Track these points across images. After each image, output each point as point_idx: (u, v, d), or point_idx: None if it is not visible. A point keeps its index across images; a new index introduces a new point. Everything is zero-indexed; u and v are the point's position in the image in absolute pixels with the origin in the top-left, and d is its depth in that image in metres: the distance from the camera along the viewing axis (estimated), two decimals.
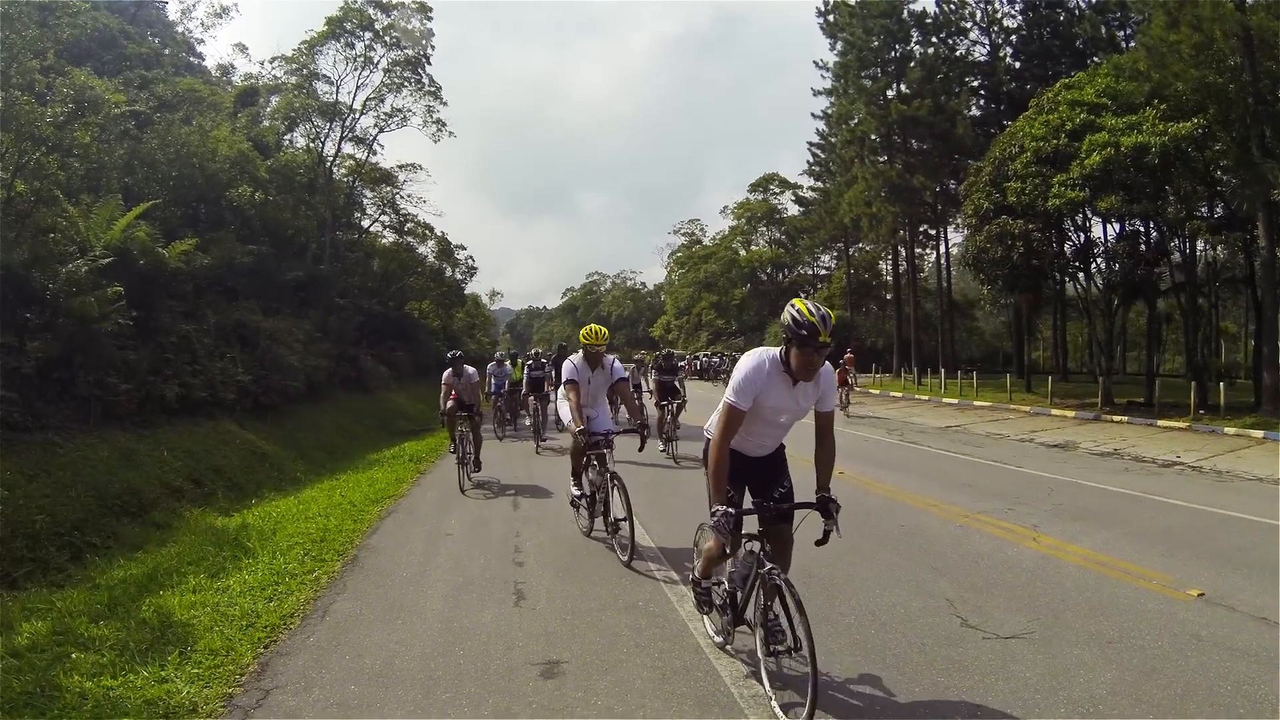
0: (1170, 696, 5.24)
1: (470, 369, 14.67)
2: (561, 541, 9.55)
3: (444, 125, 45.45)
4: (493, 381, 22.53)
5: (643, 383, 26.16)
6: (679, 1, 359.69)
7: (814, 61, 57.36)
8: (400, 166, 49.32)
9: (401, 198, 49.87)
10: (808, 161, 65.69)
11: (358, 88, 42.67)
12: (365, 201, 49.49)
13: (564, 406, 9.40)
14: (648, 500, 11.52)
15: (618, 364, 10.03)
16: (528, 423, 21.48)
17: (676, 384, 18.50)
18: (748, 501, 5.63)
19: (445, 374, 14.48)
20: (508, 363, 23.35)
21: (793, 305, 5.04)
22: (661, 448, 16.65)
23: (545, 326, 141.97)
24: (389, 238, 51.77)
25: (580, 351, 9.71)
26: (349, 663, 5.97)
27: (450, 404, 14.12)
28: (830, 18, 48.75)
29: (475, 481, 13.85)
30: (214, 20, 46.20)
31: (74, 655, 6.06)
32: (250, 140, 31.21)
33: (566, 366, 9.37)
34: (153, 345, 17.34)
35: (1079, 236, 31.87)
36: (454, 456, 13.92)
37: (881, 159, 48.14)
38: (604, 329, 9.84)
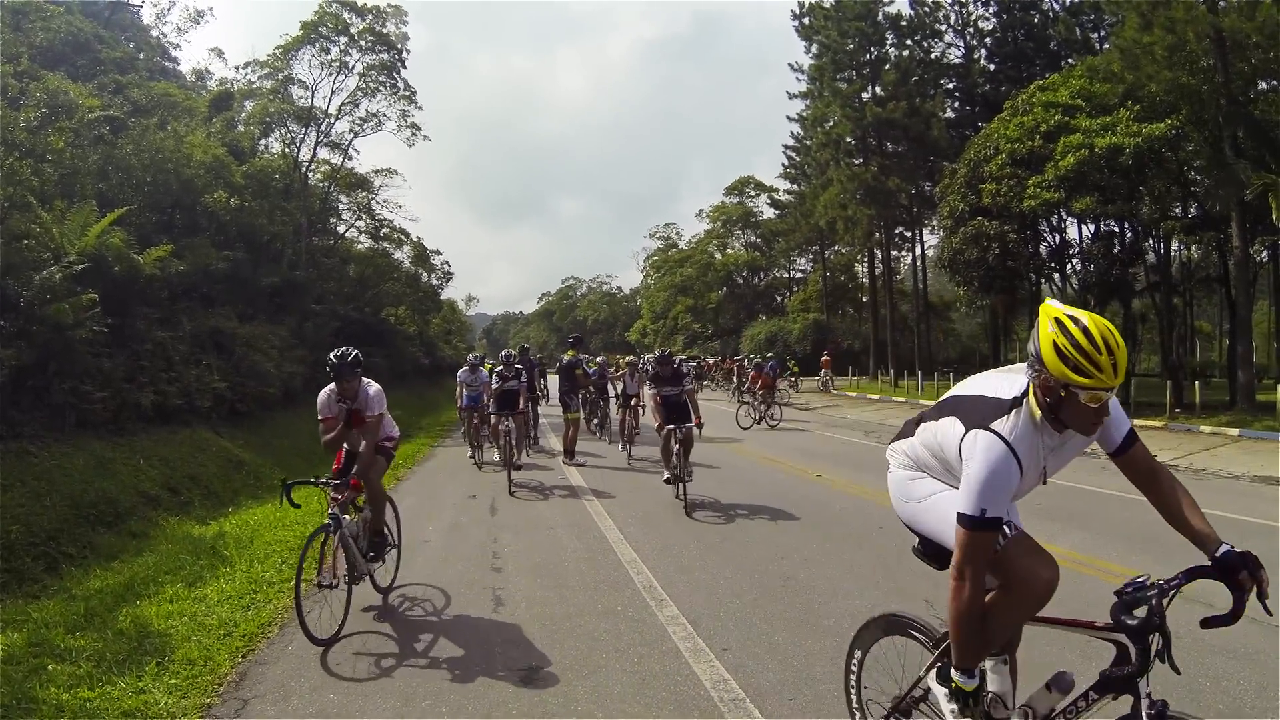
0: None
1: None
2: (539, 547, 9.52)
3: (419, 129, 45.16)
4: (465, 393, 18.49)
5: (643, 395, 19.02)
6: (658, 4, 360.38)
7: (789, 64, 57.52)
8: (376, 171, 49.20)
9: (377, 203, 49.63)
10: (783, 164, 65.98)
11: (333, 92, 42.44)
12: (341, 207, 49.17)
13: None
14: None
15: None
16: (497, 456, 16.22)
17: (684, 399, 13.16)
18: None
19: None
20: (483, 368, 18.81)
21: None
22: (677, 494, 12.16)
23: (521, 332, 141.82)
24: (364, 243, 51.40)
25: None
26: (328, 671, 5.94)
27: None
28: (805, 20, 48.95)
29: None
30: (189, 24, 45.90)
31: (50, 667, 5.99)
32: (225, 145, 30.99)
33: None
34: (128, 352, 17.18)
35: (1054, 237, 32.19)
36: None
37: (857, 161, 48.28)
38: None
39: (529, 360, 20.44)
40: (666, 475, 12.93)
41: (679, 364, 13.73)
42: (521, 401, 16.10)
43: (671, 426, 12.45)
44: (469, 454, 18.53)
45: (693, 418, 12.71)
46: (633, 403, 18.96)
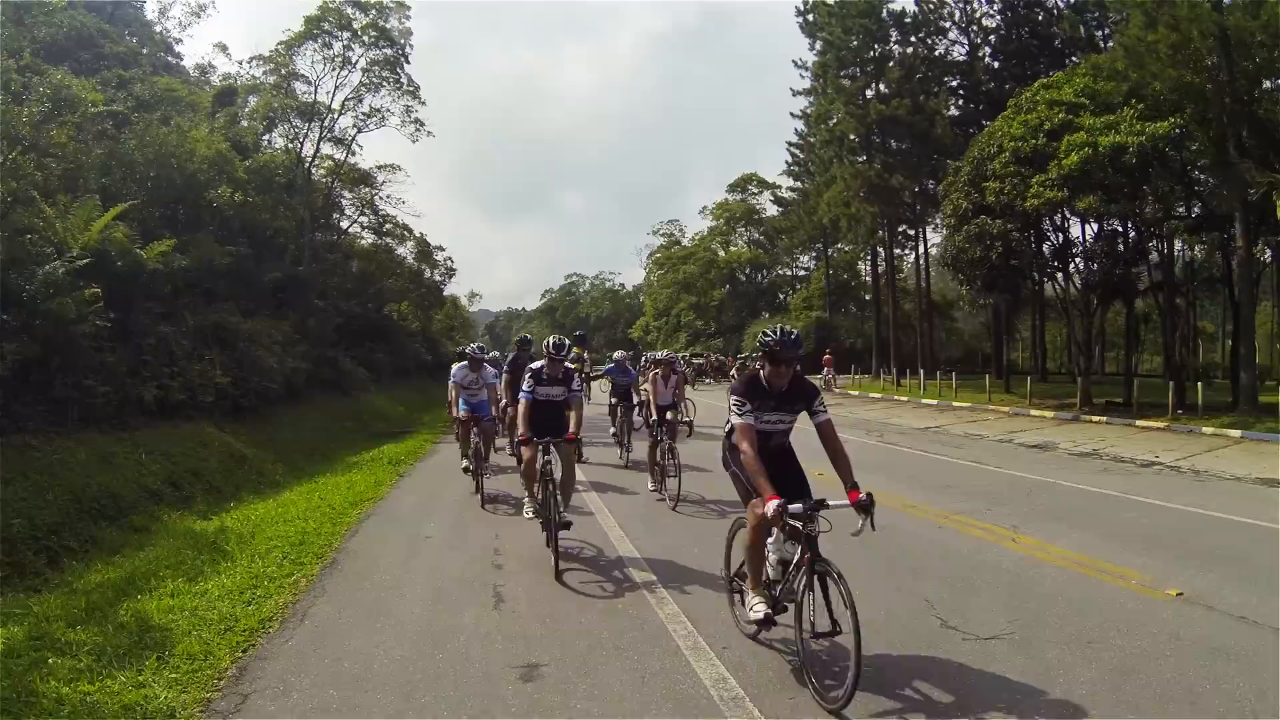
0: (1150, 695, 5.27)
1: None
2: (541, 545, 9.52)
3: (422, 125, 45.00)
4: (461, 399, 13.79)
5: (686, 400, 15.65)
6: None
7: (793, 61, 57.59)
8: (379, 167, 49.16)
9: (380, 198, 49.57)
10: (786, 162, 65.95)
11: (336, 88, 42.30)
12: (344, 202, 49.11)
13: None
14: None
15: None
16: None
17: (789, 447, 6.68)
18: None
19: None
20: (488, 366, 14.01)
21: None
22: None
23: (525, 328, 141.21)
24: (368, 239, 51.39)
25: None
26: (328, 666, 5.95)
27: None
28: (809, 17, 48.79)
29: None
30: (191, 19, 45.96)
31: (51, 660, 6.00)
32: (229, 141, 30.88)
33: None
34: (131, 347, 17.18)
35: (1057, 236, 32.06)
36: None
37: (860, 159, 48.19)
38: None
39: (532, 358, 12.92)
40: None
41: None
42: (574, 421, 9.24)
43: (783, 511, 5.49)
44: (466, 468, 13.73)
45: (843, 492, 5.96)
46: (669, 418, 13.43)
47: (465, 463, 13.70)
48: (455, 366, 14.07)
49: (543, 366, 9.43)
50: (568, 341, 9.73)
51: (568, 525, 8.67)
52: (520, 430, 9.14)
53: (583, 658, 6.06)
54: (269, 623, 6.95)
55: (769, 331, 6.10)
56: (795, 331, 6.25)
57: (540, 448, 9.00)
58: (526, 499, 10.39)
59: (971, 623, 6.63)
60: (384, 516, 11.86)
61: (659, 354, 16.02)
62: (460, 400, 13.73)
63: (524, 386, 9.38)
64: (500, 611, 7.21)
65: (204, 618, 6.97)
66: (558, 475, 9.02)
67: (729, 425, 6.42)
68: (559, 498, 8.80)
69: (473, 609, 7.28)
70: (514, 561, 8.93)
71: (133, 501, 13.03)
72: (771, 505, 5.40)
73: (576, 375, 9.84)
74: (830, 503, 5.70)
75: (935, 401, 33.87)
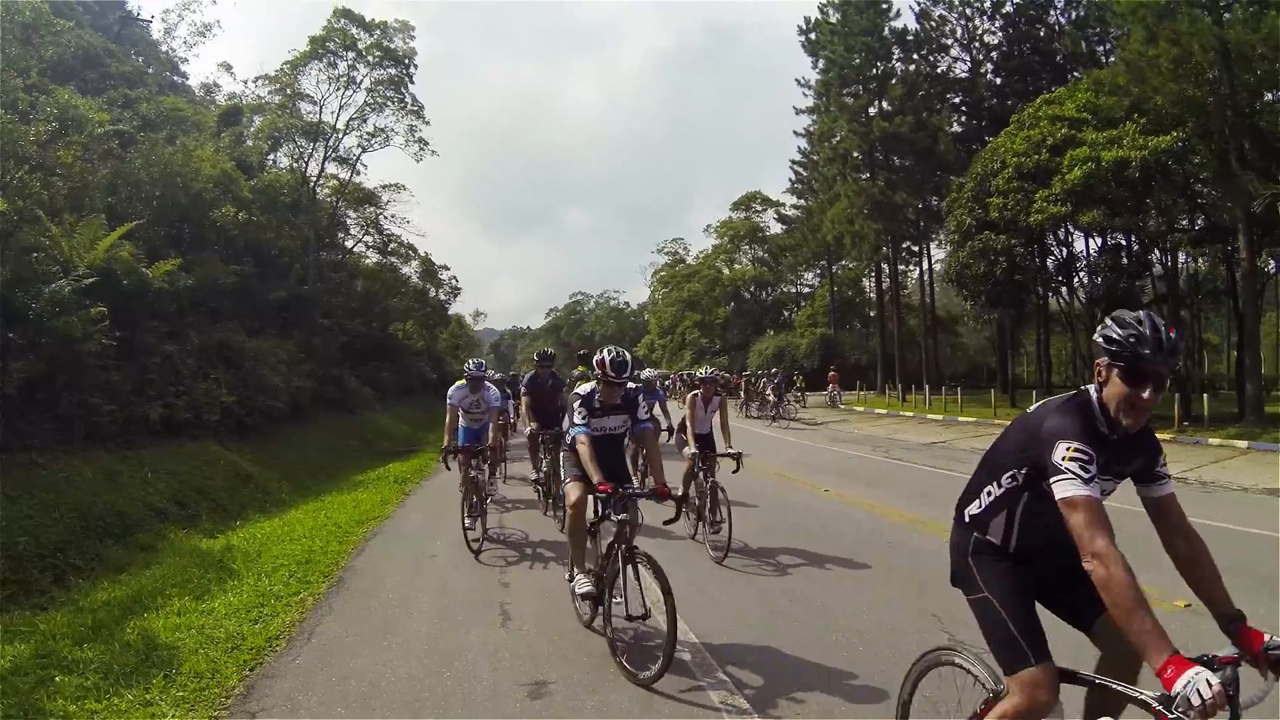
0: None
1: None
2: (547, 563, 9.50)
3: (426, 144, 45.51)
4: (461, 426, 11.43)
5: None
6: (671, 14, 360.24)
7: (796, 79, 57.70)
8: (384, 186, 49.54)
9: (385, 218, 49.83)
10: (790, 179, 66.09)
11: (340, 107, 42.75)
12: (349, 222, 49.35)
13: None
14: None
15: None
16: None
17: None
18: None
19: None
20: (491, 386, 12.35)
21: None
22: None
23: (530, 347, 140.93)
24: (372, 258, 51.64)
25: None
26: (335, 685, 5.92)
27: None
28: (812, 35, 48.98)
29: None
30: (197, 39, 46.25)
31: (58, 678, 5.99)
32: (234, 160, 31.05)
33: None
34: (136, 366, 17.23)
35: (1061, 251, 32.08)
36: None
37: (864, 176, 48.25)
38: None
39: (554, 377, 13.15)
40: None
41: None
42: (656, 467, 7.15)
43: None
44: (464, 522, 10.45)
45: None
46: (704, 456, 10.66)
47: (468, 521, 10.38)
48: (453, 387, 11.59)
49: (595, 391, 7.00)
50: (629, 357, 7.06)
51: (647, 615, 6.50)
52: (594, 478, 6.41)
53: (590, 675, 6.04)
54: (276, 641, 6.94)
55: (1129, 319, 3.19)
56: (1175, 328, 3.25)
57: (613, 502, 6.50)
58: (581, 576, 6.85)
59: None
60: (390, 535, 11.85)
61: (701, 372, 12.95)
62: (460, 425, 11.36)
63: (576, 419, 6.87)
64: (507, 629, 7.19)
65: (211, 636, 6.95)
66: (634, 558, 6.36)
67: (980, 506, 3.81)
68: (640, 580, 6.39)
69: (479, 627, 7.26)
70: (521, 580, 8.91)
71: (138, 520, 13.05)
72: (1209, 684, 2.67)
73: (641, 398, 7.44)
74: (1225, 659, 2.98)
75: (941, 417, 33.72)
